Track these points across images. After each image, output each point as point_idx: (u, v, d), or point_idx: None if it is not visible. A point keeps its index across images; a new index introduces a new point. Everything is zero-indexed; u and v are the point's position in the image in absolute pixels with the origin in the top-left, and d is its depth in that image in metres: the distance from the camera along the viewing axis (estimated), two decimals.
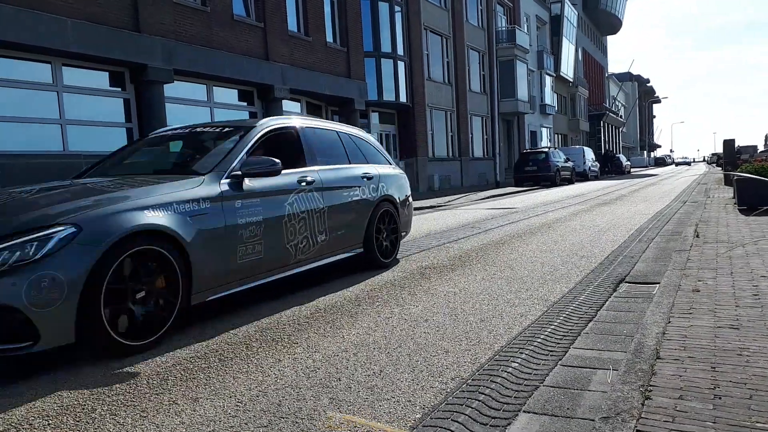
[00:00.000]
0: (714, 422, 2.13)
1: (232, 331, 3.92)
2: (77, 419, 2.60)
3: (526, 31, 38.89)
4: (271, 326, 4.02)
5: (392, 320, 4.05)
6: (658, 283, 4.66)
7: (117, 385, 2.99)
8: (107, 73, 12.86)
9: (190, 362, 3.32)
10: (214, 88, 15.37)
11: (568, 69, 49.66)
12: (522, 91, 36.27)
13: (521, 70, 36.22)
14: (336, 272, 5.98)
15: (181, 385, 2.97)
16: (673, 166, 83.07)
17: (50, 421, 2.58)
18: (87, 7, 11.66)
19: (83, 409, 2.71)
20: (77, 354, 3.52)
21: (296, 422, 2.49)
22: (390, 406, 2.61)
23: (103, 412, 2.66)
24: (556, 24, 47.04)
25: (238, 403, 2.71)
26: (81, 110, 12.22)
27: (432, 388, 2.80)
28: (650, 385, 2.49)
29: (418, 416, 2.50)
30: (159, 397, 2.83)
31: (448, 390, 2.77)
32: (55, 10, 11.04)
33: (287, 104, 17.80)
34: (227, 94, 15.93)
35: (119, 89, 13.12)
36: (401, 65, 24.15)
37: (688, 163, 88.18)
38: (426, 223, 11.07)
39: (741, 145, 25.20)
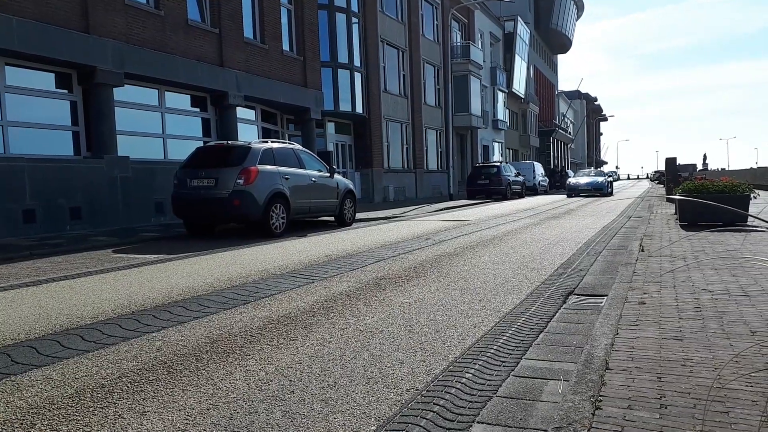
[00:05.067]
0: (661, 431, 2.20)
1: (181, 342, 3.82)
2: None
3: (480, 47, 39.67)
4: (222, 337, 3.93)
5: (347, 331, 4.03)
6: (606, 295, 4.80)
7: (59, 399, 2.86)
8: (53, 75, 12.41)
9: (137, 374, 3.21)
10: (166, 92, 15.03)
11: (520, 86, 50.89)
12: (475, 106, 36.94)
13: (475, 85, 36.91)
14: (290, 281, 5.91)
15: (128, 398, 2.87)
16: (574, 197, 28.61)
17: None
18: (34, 5, 11.23)
19: (21, 424, 2.57)
20: (11, 368, 3.36)
21: None
22: (344, 418, 2.59)
23: (43, 428, 2.54)
24: (509, 41, 48.24)
25: (188, 417, 2.63)
26: (24, 112, 11.73)
27: (387, 400, 2.79)
28: (600, 396, 2.55)
29: (372, 428, 2.48)
30: (104, 411, 2.71)
31: (403, 401, 2.76)
32: None
33: (241, 111, 17.58)
34: (180, 100, 15.60)
35: (66, 91, 12.67)
36: (358, 76, 24.24)
37: (606, 184, 29.07)
38: (381, 234, 11.09)
39: (681, 163, 26.26)
